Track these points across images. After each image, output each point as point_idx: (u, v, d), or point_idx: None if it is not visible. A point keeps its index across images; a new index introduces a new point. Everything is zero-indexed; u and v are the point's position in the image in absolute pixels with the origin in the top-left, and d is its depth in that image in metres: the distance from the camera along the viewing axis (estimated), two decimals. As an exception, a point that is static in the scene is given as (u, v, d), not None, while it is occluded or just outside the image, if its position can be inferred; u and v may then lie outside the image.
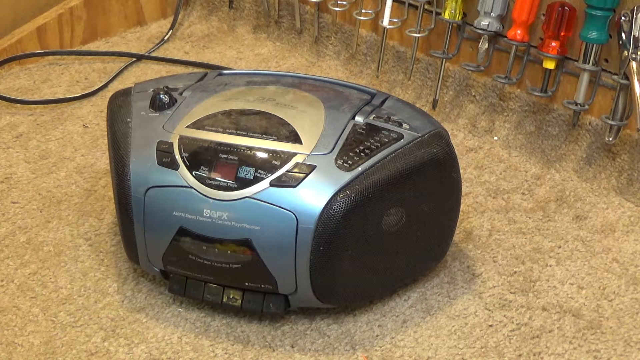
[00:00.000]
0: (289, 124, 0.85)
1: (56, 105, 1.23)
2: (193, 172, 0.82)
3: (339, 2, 1.30)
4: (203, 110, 0.87)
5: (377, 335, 0.87)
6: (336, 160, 0.82)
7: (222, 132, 0.84)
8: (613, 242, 1.00)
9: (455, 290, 0.92)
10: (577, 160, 1.11)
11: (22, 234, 0.99)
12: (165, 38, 1.42)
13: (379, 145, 0.84)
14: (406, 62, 1.26)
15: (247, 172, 0.81)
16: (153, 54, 1.38)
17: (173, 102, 0.89)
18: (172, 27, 1.44)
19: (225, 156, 0.82)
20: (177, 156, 0.83)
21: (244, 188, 0.81)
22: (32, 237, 0.99)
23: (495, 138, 1.18)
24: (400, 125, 0.87)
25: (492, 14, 1.12)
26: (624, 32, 1.02)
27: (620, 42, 1.03)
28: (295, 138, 0.83)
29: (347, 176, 0.81)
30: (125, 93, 0.95)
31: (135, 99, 0.93)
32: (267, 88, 0.93)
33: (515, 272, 0.95)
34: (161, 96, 0.90)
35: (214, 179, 0.81)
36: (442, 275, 0.94)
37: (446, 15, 1.16)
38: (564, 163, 1.12)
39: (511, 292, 0.92)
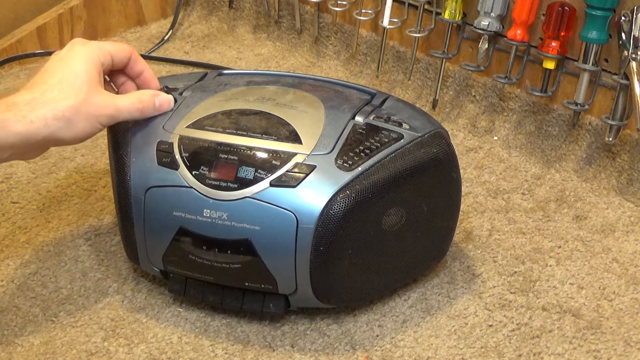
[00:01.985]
0: (289, 124, 0.85)
1: (56, 105, 1.23)
2: (193, 172, 0.82)
3: (339, 2, 1.30)
4: (203, 110, 0.87)
5: (377, 335, 0.87)
6: (336, 160, 0.82)
7: (222, 132, 0.84)
8: (613, 242, 1.00)
9: (455, 290, 0.92)
10: (577, 160, 1.11)
11: (22, 234, 0.99)
12: (165, 38, 1.42)
13: (379, 145, 0.84)
14: (406, 62, 1.26)
15: (247, 172, 0.81)
16: (153, 54, 1.38)
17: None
18: (172, 27, 1.44)
19: (225, 156, 0.82)
20: (177, 156, 0.83)
21: (244, 188, 0.81)
22: (32, 237, 0.99)
23: (495, 138, 1.18)
24: (400, 125, 0.87)
25: (492, 14, 1.12)
26: (624, 32, 1.02)
27: (620, 42, 1.03)
28: (295, 138, 0.83)
29: (347, 176, 0.81)
30: (125, 93, 0.95)
31: (135, 99, 0.93)
32: (267, 88, 0.93)
33: (515, 272, 0.95)
34: (161, 96, 0.90)
35: (214, 179, 0.81)
36: (442, 275, 0.94)
37: (446, 15, 1.16)
38: (564, 163, 1.12)
39: (511, 292, 0.92)
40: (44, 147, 0.83)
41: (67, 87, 0.80)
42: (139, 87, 0.89)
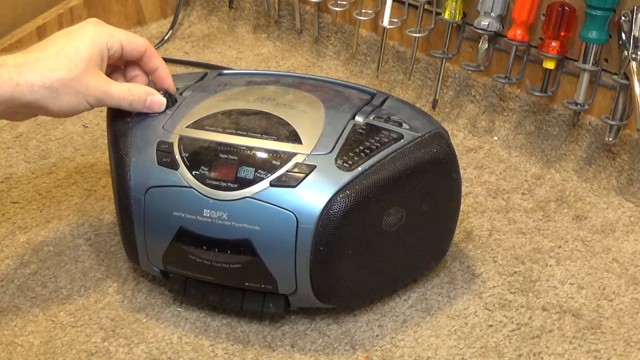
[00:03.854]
0: (289, 124, 0.85)
1: (56, 105, 1.23)
2: (193, 172, 0.82)
3: (339, 2, 1.30)
4: (203, 110, 0.87)
5: (377, 335, 0.87)
6: (336, 160, 0.82)
7: (222, 132, 0.84)
8: (613, 242, 1.00)
9: (455, 290, 0.92)
10: (577, 160, 1.11)
11: (22, 234, 0.99)
12: (165, 38, 1.42)
13: (379, 145, 0.84)
14: (406, 62, 1.26)
15: (247, 172, 0.81)
16: (153, 54, 1.38)
17: (173, 102, 0.89)
18: (172, 27, 1.44)
19: (225, 156, 0.82)
20: (177, 156, 0.83)
21: (244, 188, 0.81)
22: (32, 237, 0.99)
23: (495, 138, 1.18)
24: (400, 125, 0.87)
25: (492, 14, 1.12)
26: (624, 32, 1.02)
27: (620, 42, 1.03)
28: (295, 138, 0.83)
29: (347, 176, 0.81)
30: (125, 93, 0.95)
31: (135, 99, 0.93)
32: (267, 88, 0.93)
33: (515, 272, 0.95)
34: (161, 96, 0.90)
35: (214, 179, 0.81)
36: (442, 275, 0.94)
37: (446, 15, 1.16)
38: (564, 163, 1.12)
39: (511, 292, 0.92)
40: (30, 113, 0.84)
41: (63, 59, 0.80)
42: (153, 83, 0.90)
